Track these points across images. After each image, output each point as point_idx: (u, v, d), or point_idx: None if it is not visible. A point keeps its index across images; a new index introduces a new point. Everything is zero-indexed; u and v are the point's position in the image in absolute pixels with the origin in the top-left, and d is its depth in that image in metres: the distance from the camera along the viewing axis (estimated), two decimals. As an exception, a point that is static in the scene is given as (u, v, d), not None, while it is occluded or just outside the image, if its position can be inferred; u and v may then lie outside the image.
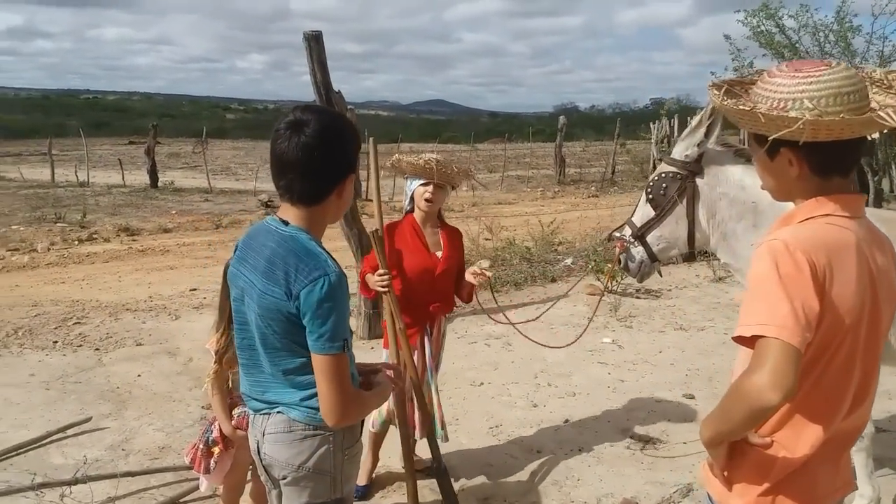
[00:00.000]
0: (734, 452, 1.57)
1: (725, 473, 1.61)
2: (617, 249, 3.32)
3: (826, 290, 1.39)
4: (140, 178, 21.69)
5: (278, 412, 1.82)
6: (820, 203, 1.50)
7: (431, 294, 3.34)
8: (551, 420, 4.25)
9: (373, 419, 3.40)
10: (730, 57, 9.57)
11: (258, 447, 1.88)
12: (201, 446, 2.83)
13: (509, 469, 3.67)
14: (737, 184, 2.97)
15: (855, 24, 8.99)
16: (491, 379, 4.92)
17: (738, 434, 1.49)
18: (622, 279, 6.98)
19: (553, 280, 7.77)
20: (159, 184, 20.51)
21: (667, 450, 3.79)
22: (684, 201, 3.10)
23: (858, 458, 3.02)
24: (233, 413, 2.76)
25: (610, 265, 7.03)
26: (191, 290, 7.72)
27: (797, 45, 9.16)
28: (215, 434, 2.79)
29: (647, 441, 3.90)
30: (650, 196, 3.20)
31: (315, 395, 1.75)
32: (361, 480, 3.45)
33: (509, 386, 4.82)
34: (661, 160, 9.22)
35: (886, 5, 8.77)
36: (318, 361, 1.68)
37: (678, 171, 3.12)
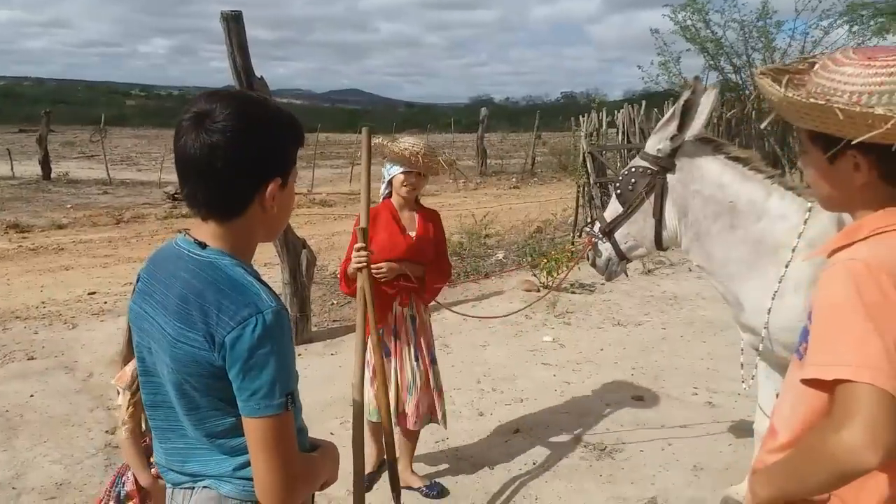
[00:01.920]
0: None
1: None
2: (585, 245, 3.12)
3: None
4: (31, 168, 20.00)
5: (205, 487, 1.39)
6: (891, 214, 1.24)
7: (406, 280, 3.23)
8: (500, 430, 3.98)
9: (368, 411, 3.22)
10: (655, 51, 9.67)
11: None
12: (111, 503, 2.35)
13: (460, 489, 3.37)
14: (714, 181, 2.77)
15: (777, 20, 9.27)
16: (431, 386, 4.61)
17: (813, 496, 1.23)
18: (557, 274, 6.84)
19: (486, 276, 7.53)
20: (52, 175, 18.96)
21: (624, 459, 3.60)
22: (652, 198, 2.89)
23: (758, 448, 2.94)
24: (151, 460, 2.30)
25: (545, 260, 6.93)
26: (89, 294, 6.99)
27: (722, 41, 9.32)
28: (129, 487, 2.31)
29: (601, 450, 3.70)
30: (619, 192, 2.97)
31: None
32: (366, 468, 3.16)
33: (452, 393, 4.50)
34: (589, 153, 9.22)
35: (808, 2, 9.05)
36: (251, 427, 1.26)
37: (649, 166, 2.89)
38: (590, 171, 8.27)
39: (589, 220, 8.39)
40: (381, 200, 3.40)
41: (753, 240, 2.71)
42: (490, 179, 21.23)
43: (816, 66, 1.31)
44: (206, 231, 1.35)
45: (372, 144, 3.21)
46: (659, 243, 2.95)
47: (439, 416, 3.35)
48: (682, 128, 2.80)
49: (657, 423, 3.96)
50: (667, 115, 2.89)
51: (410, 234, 3.29)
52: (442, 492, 3.35)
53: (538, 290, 6.66)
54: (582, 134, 8.35)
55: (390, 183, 3.30)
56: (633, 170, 2.94)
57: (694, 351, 5.16)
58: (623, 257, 3.04)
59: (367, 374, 3.24)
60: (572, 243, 8.28)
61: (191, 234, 1.38)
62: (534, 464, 3.58)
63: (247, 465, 1.34)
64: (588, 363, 4.98)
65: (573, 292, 6.70)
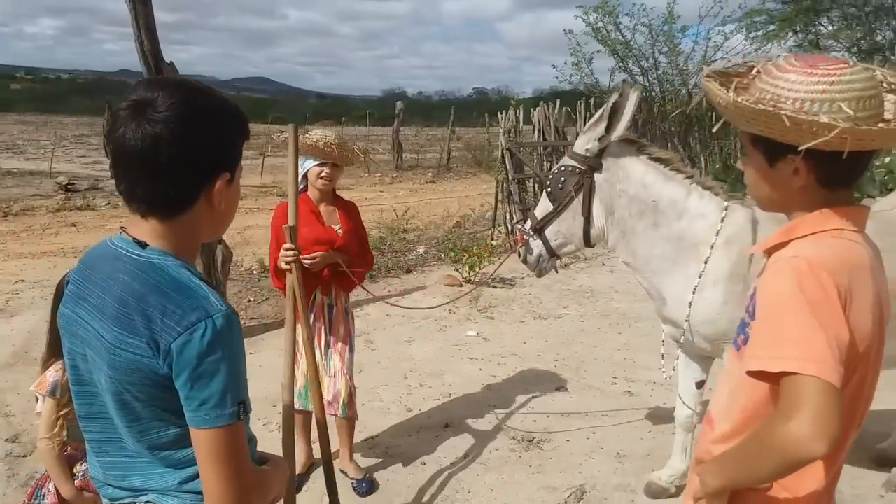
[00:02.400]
0: (731, 497, 1.39)
1: None
2: (517, 242, 3.19)
3: (846, 317, 1.24)
4: None
5: (147, 502, 1.32)
6: (826, 216, 1.33)
7: (329, 270, 3.22)
8: (430, 426, 4.00)
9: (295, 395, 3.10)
10: (569, 51, 9.95)
11: None
12: None
13: (393, 487, 3.36)
14: (638, 181, 2.89)
15: (683, 24, 9.75)
16: (357, 383, 4.55)
17: (762, 484, 1.31)
18: (480, 269, 6.93)
19: (408, 271, 7.53)
20: (-72, 163, 17.31)
21: (552, 449, 3.70)
22: (580, 196, 2.99)
23: (680, 434, 3.15)
24: (74, 471, 2.16)
25: (468, 255, 7.00)
26: (-21, 294, 6.46)
27: (631, 43, 9.70)
28: (50, 500, 2.16)
29: (530, 441, 3.79)
30: (549, 190, 3.05)
31: (198, 475, 1.26)
32: (296, 470, 3.18)
33: (379, 389, 4.50)
34: (507, 149, 9.35)
35: (711, 8, 9.55)
36: (201, 438, 1.19)
37: (577, 165, 2.98)
38: (508, 167, 8.41)
39: (508, 215, 8.57)
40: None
41: (675, 237, 2.85)
42: (406, 173, 21.18)
43: (758, 71, 1.38)
44: (145, 229, 1.26)
45: (282, 140, 3.19)
46: (587, 241, 3.04)
47: (339, 403, 3.31)
48: (609, 129, 2.90)
49: (581, 412, 4.10)
50: (595, 117, 2.99)
51: (333, 227, 3.29)
52: (371, 488, 3.34)
53: (461, 285, 6.73)
54: (500, 131, 8.48)
55: (305, 177, 3.25)
56: (563, 169, 3.02)
57: (611, 342, 5.37)
58: (553, 254, 3.13)
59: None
60: (492, 238, 8.42)
61: (128, 232, 1.28)
62: (465, 457, 3.63)
63: (193, 478, 1.28)
64: (513, 356, 5.08)
65: (494, 287, 6.81)
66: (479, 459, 3.61)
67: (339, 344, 3.36)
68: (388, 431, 3.93)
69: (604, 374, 4.72)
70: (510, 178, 8.44)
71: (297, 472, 3.34)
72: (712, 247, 2.77)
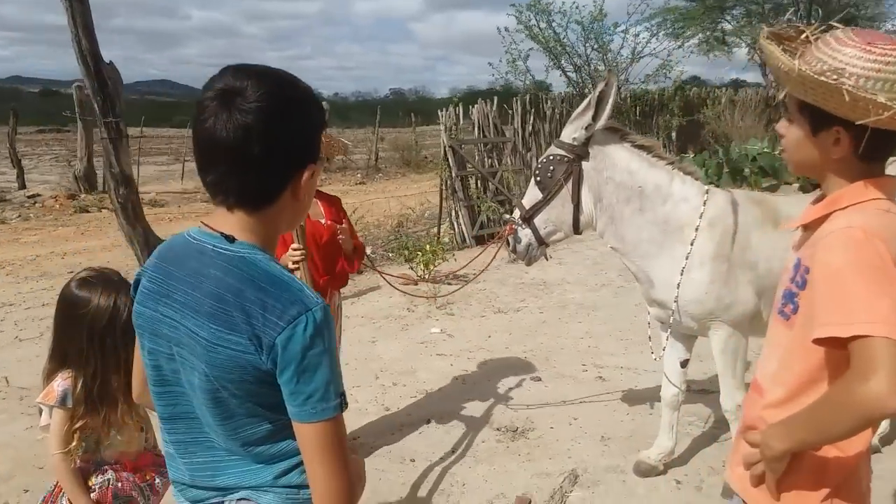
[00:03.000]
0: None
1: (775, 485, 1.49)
2: (506, 232, 3.23)
3: None
4: None
5: (240, 499, 1.30)
6: (867, 187, 1.40)
7: (319, 264, 3.17)
8: (411, 423, 3.97)
9: None
10: (503, 49, 10.12)
11: None
12: None
13: (386, 486, 3.32)
14: (624, 168, 2.98)
15: (615, 22, 10.09)
16: (329, 386, 4.50)
17: (830, 443, 1.37)
18: (436, 266, 6.93)
19: (359, 272, 7.43)
20: None
21: (537, 437, 3.75)
22: (570, 184, 3.04)
23: (666, 413, 3.28)
24: (90, 483, 2.04)
25: (421, 253, 6.99)
26: None
27: (564, 40, 9.96)
28: None
29: (514, 431, 3.83)
30: (538, 179, 3.10)
31: (293, 468, 1.28)
32: None
33: (352, 391, 4.42)
34: (450, 147, 9.40)
35: (639, 6, 9.93)
36: (307, 433, 1.18)
37: (565, 154, 3.04)
38: (451, 164, 8.45)
39: (453, 212, 8.60)
40: None
41: (661, 221, 2.95)
42: (334, 175, 20.88)
43: (806, 37, 1.44)
44: (231, 222, 1.23)
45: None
46: (576, 227, 3.11)
47: None
48: (595, 117, 2.97)
49: (558, 400, 4.17)
50: (581, 106, 3.05)
51: (322, 221, 3.23)
52: None
53: (416, 284, 6.70)
54: (442, 128, 8.51)
55: None
56: (551, 158, 3.07)
57: (573, 332, 5.49)
58: (542, 242, 3.18)
59: None
60: (438, 235, 8.44)
61: (211, 225, 1.24)
62: (453, 451, 3.63)
63: (287, 472, 1.28)
64: (481, 350, 5.12)
65: (449, 283, 6.82)
66: (468, 452, 3.62)
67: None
68: (368, 431, 3.88)
69: (572, 362, 4.82)
70: (454, 175, 8.47)
71: None
72: (697, 229, 2.89)
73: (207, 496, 1.33)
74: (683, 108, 13.23)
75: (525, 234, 3.15)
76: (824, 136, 1.40)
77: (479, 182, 8.82)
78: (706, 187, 2.96)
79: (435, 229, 8.90)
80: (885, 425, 3.45)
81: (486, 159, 8.90)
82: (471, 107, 9.06)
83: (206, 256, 1.21)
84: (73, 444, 2.01)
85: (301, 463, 1.26)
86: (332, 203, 3.36)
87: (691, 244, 2.88)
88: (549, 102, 9.84)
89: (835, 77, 1.30)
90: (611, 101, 2.98)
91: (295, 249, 2.72)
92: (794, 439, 1.37)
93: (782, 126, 1.54)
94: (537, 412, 4.03)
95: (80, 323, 1.98)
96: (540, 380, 4.52)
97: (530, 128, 9.58)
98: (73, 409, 2.00)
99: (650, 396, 4.17)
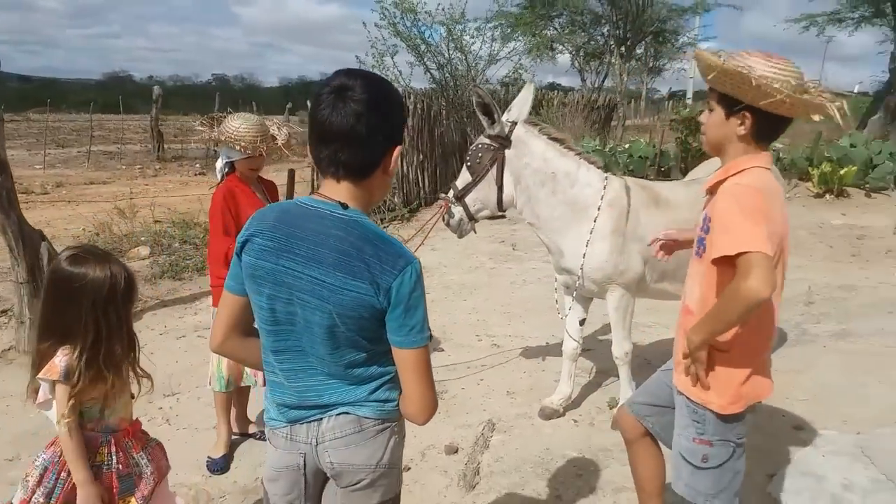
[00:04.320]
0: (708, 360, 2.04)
1: (702, 376, 2.08)
2: (441, 208, 3.65)
3: (774, 216, 1.93)
4: None
5: (340, 413, 1.63)
6: (752, 157, 2.03)
7: None
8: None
9: (210, 377, 3.41)
10: (368, 43, 10.40)
11: (307, 460, 1.67)
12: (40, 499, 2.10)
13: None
14: (540, 156, 3.52)
15: (478, 25, 10.76)
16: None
17: (731, 328, 1.96)
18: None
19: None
20: None
21: (452, 397, 4.21)
22: (494, 168, 3.53)
23: (566, 364, 3.92)
24: (101, 460, 2.11)
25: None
26: None
27: (429, 40, 10.47)
28: (64, 489, 2.09)
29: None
30: (469, 164, 3.55)
31: (381, 386, 1.64)
32: (219, 451, 3.44)
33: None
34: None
35: (496, 11, 10.65)
36: (409, 356, 1.54)
37: (491, 143, 3.52)
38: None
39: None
40: (220, 179, 3.40)
41: (570, 202, 3.54)
42: (170, 165, 19.81)
43: (726, 55, 2.01)
44: (339, 191, 1.57)
45: (213, 133, 3.27)
46: (500, 205, 3.61)
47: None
48: (517, 114, 3.51)
49: (463, 365, 4.66)
50: (512, 104, 3.58)
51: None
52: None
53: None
54: (298, 119, 8.61)
55: (231, 164, 3.35)
56: (480, 146, 3.55)
57: (460, 308, 6.01)
58: (472, 218, 3.65)
59: None
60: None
61: (325, 194, 1.57)
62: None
63: (376, 389, 1.63)
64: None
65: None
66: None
67: None
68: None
69: (467, 333, 5.34)
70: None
71: (222, 453, 3.44)
72: (599, 209, 3.51)
73: (308, 414, 1.63)
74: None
75: (458, 211, 3.60)
76: (734, 118, 2.00)
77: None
78: (605, 174, 3.59)
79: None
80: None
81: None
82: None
83: (327, 220, 1.53)
84: (75, 413, 2.07)
85: (386, 382, 1.64)
86: (271, 187, 3.55)
87: (594, 221, 3.50)
88: (411, 98, 10.30)
89: (746, 69, 1.88)
90: (530, 99, 3.54)
91: None
92: (706, 330, 1.98)
93: (704, 115, 2.13)
94: (445, 376, 4.48)
95: (79, 297, 2.03)
96: (443, 350, 4.98)
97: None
98: (77, 381, 2.05)
99: (539, 355, 4.81)
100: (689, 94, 37.28)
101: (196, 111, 27.67)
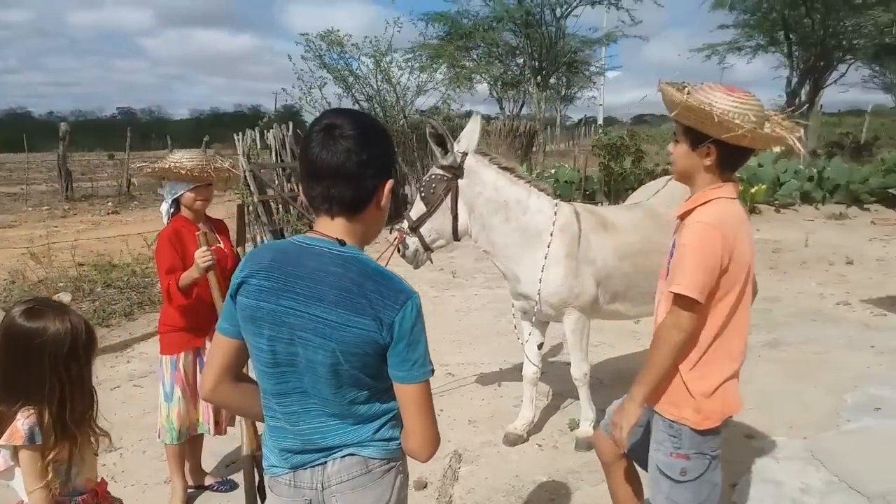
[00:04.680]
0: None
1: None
2: (396, 240, 3.63)
3: (733, 249, 2.04)
4: None
5: (346, 455, 1.58)
6: (719, 188, 2.13)
7: (223, 287, 3.16)
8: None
9: (159, 429, 3.28)
10: (295, 76, 10.31)
11: None
12: None
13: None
14: (492, 185, 3.56)
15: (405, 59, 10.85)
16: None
17: (663, 373, 2.14)
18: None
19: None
20: None
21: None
22: (448, 198, 3.55)
23: (527, 388, 3.95)
24: None
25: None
26: None
27: (357, 71, 10.48)
28: None
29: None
30: (422, 195, 3.56)
31: (385, 424, 1.61)
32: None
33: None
34: (250, 171, 9.33)
35: (421, 45, 10.79)
36: (412, 392, 1.53)
37: (444, 174, 3.54)
38: (253, 189, 8.44)
39: (259, 237, 8.55)
40: (166, 221, 3.29)
41: (523, 228, 3.59)
42: (80, 205, 18.82)
43: (690, 89, 2.10)
44: (335, 227, 1.56)
45: (155, 167, 3.18)
46: (455, 235, 3.63)
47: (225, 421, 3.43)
48: (466, 144, 3.56)
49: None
50: (461, 136, 3.62)
51: (219, 246, 3.32)
52: (234, 486, 3.49)
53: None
54: (240, 153, 8.46)
55: (177, 202, 3.25)
56: (433, 177, 3.57)
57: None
58: (427, 248, 3.65)
59: (164, 392, 3.23)
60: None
61: (321, 232, 1.56)
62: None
63: (380, 428, 1.60)
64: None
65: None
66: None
67: None
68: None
69: (418, 363, 5.28)
70: (256, 199, 8.47)
71: None
72: (551, 234, 3.58)
73: (312, 459, 1.58)
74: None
75: (412, 242, 3.59)
76: (700, 150, 2.09)
77: (281, 206, 8.89)
78: (555, 201, 3.68)
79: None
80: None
81: (286, 184, 9.01)
82: (266, 132, 9.13)
83: (325, 257, 1.51)
84: (50, 476, 1.94)
85: (389, 420, 1.61)
86: (221, 227, 3.45)
87: (548, 247, 3.56)
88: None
89: (708, 106, 1.98)
90: (478, 132, 3.61)
91: (204, 252, 2.87)
92: (648, 383, 2.13)
93: (671, 146, 2.22)
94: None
95: (39, 354, 1.90)
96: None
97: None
98: (43, 443, 1.93)
99: (495, 381, 4.82)
100: (601, 121, 39.13)
101: (103, 147, 26.55)
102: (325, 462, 1.58)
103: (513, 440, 3.92)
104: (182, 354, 3.25)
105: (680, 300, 2.04)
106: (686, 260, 2.04)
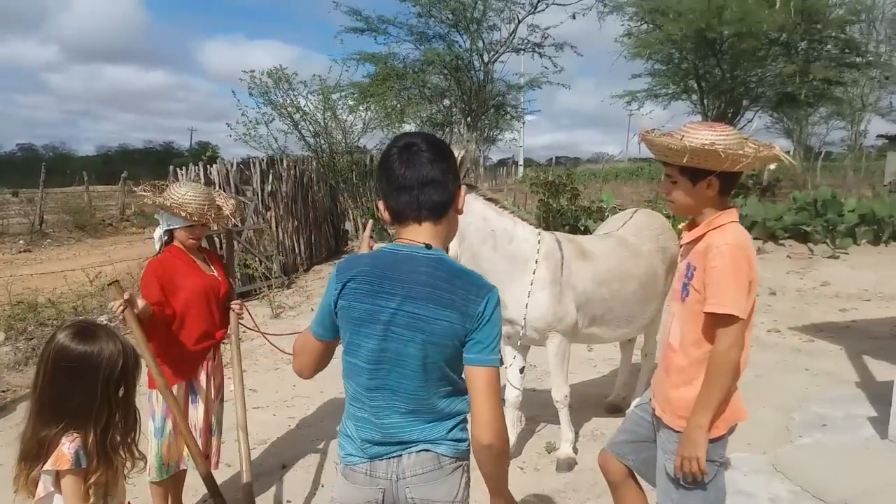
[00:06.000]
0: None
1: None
2: None
3: (754, 269, 2.24)
4: None
5: (421, 450, 1.73)
6: (729, 213, 2.34)
7: (217, 317, 3.29)
8: (267, 471, 4.04)
9: (148, 466, 3.11)
10: (239, 112, 10.24)
11: (386, 496, 1.75)
12: None
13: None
14: (480, 216, 3.71)
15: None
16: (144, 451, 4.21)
17: (725, 397, 2.25)
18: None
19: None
20: None
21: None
22: (438, 229, 3.66)
23: (510, 412, 4.05)
24: None
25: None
26: None
27: (305, 108, 10.50)
28: None
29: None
30: (417, 226, 3.64)
31: (457, 426, 1.76)
32: None
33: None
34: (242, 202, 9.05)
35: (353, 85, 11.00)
36: (480, 374, 1.68)
37: (436, 204, 3.65)
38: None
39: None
40: (158, 248, 3.26)
41: (509, 256, 3.75)
42: (-10, 242, 17.66)
43: (679, 134, 2.27)
44: (422, 233, 1.75)
45: (157, 200, 3.15)
46: (446, 265, 3.72)
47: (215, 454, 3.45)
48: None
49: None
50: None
51: (213, 274, 3.30)
52: None
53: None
54: (232, 183, 8.30)
55: (170, 232, 3.23)
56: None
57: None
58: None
59: (155, 427, 3.15)
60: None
61: (409, 238, 1.74)
62: (322, 486, 3.82)
63: (453, 428, 1.76)
64: (297, 398, 5.30)
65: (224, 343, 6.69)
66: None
67: (219, 396, 3.45)
68: (230, 486, 3.82)
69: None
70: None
71: None
72: (536, 262, 3.75)
73: (390, 451, 1.73)
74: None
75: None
76: (700, 185, 2.27)
77: (224, 241, 8.69)
78: (538, 230, 3.86)
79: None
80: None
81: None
82: (209, 167, 8.99)
83: (415, 260, 1.71)
84: (91, 501, 1.91)
85: (461, 423, 1.76)
86: (214, 256, 3.45)
87: (534, 273, 3.73)
88: (284, 163, 10.21)
89: (711, 145, 2.16)
90: (465, 164, 3.74)
91: (115, 301, 2.79)
92: (710, 407, 2.20)
93: (666, 188, 2.38)
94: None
95: (92, 377, 1.87)
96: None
97: (269, 188, 9.81)
98: (87, 466, 1.89)
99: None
100: (521, 161, 40.35)
101: (3, 184, 25.38)
102: (401, 455, 1.72)
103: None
104: (175, 388, 3.16)
105: (725, 320, 2.15)
106: (725, 280, 2.16)
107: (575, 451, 4.06)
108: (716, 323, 2.19)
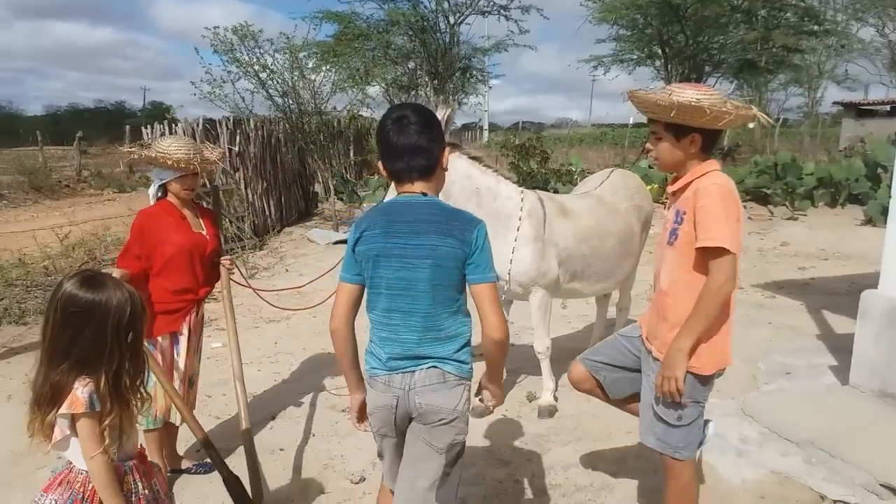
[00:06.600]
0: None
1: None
2: None
3: (740, 209, 2.39)
4: None
5: (430, 367, 2.07)
6: (710, 163, 2.47)
7: (201, 275, 3.34)
8: (258, 422, 4.11)
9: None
10: (204, 71, 10.02)
11: (399, 402, 2.08)
12: None
13: (268, 473, 3.51)
14: (463, 174, 3.79)
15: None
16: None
17: (709, 324, 2.38)
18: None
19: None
20: None
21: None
22: (427, 187, 3.73)
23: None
24: (127, 489, 1.99)
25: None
26: None
27: (272, 67, 10.29)
28: None
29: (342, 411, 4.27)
30: (390, 185, 3.71)
31: (461, 348, 2.10)
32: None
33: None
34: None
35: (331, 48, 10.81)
36: (485, 289, 2.04)
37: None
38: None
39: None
40: (153, 202, 3.29)
41: (494, 213, 3.85)
42: (-61, 205, 17.02)
43: (663, 90, 2.38)
44: (415, 189, 2.11)
45: (141, 154, 3.17)
46: (432, 221, 3.80)
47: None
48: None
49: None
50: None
51: (202, 233, 3.33)
52: (210, 468, 3.43)
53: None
54: (224, 142, 8.15)
55: (163, 187, 3.27)
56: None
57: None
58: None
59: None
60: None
61: (407, 191, 2.12)
62: (313, 435, 3.93)
63: (459, 349, 2.09)
64: (280, 354, 5.38)
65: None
66: (330, 431, 3.97)
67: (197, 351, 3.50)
68: (219, 435, 3.89)
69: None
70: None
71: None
72: (520, 219, 3.86)
73: (405, 365, 2.08)
74: (356, 136, 14.76)
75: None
76: (684, 141, 2.41)
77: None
78: (521, 188, 3.96)
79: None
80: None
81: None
82: (174, 125, 8.82)
83: (416, 205, 2.09)
84: (107, 442, 1.96)
85: (465, 345, 2.09)
86: (208, 214, 3.47)
87: (517, 230, 3.84)
88: (252, 123, 10.06)
89: (697, 102, 2.27)
90: (450, 122, 3.80)
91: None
92: (695, 331, 2.36)
93: (652, 143, 2.51)
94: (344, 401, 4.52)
95: (102, 324, 1.91)
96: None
97: (237, 149, 9.67)
98: (101, 409, 1.95)
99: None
100: (486, 126, 40.25)
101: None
102: (414, 371, 2.07)
103: (480, 412, 4.04)
104: (159, 338, 3.23)
105: (717, 253, 2.27)
106: (716, 216, 2.27)
107: (555, 399, 4.24)
108: (708, 257, 2.32)
